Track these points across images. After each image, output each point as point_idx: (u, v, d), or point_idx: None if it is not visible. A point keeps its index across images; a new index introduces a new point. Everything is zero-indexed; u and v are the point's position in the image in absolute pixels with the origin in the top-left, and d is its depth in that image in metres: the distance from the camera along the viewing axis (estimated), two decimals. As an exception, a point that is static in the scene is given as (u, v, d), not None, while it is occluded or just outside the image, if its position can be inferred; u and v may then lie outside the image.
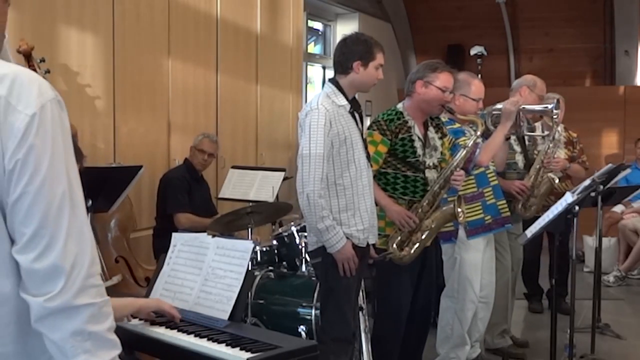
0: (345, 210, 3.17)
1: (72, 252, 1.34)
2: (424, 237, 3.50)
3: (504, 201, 4.12)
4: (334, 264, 3.14)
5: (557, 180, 4.64)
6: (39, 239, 1.32)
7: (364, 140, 3.29)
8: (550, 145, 4.60)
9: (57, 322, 1.33)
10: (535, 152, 4.65)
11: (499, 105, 4.14)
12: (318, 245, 3.19)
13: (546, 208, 4.06)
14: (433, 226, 3.51)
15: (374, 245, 3.36)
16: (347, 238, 3.14)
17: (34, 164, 1.31)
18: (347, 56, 3.20)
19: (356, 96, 3.32)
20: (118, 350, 1.41)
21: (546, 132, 4.77)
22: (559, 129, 5.29)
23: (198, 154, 4.79)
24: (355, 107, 3.24)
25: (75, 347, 1.33)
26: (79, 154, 2.11)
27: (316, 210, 3.06)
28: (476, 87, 4.03)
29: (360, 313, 3.48)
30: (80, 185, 1.40)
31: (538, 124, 4.89)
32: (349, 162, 3.16)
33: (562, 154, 5.31)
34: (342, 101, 3.19)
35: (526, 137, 4.59)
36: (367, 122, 4.00)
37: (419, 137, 3.51)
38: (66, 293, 1.32)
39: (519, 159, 4.49)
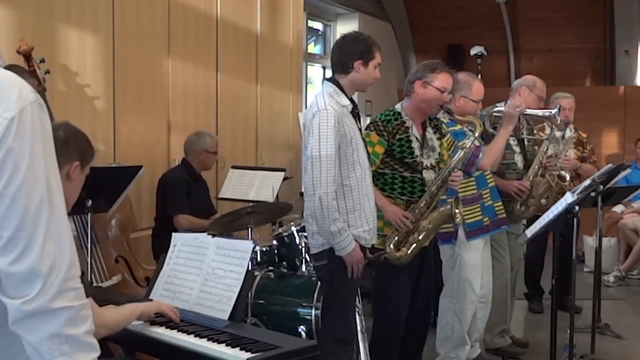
0: (353, 211, 3.15)
1: (50, 255, 1.33)
2: (421, 237, 3.50)
3: (500, 203, 4.13)
4: (341, 266, 3.13)
5: (568, 178, 4.62)
6: (16, 242, 1.31)
7: (364, 140, 3.29)
8: (549, 145, 4.60)
9: (34, 325, 1.33)
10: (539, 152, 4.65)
11: (498, 107, 4.14)
12: (324, 247, 3.16)
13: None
14: (430, 227, 3.51)
15: (372, 245, 3.36)
16: (355, 240, 3.13)
17: (11, 167, 1.30)
18: (348, 55, 3.19)
19: (354, 96, 3.32)
20: (96, 353, 1.40)
21: (557, 133, 4.77)
22: (570, 128, 5.33)
23: (211, 156, 4.78)
24: (353, 107, 3.24)
25: (52, 349, 1.33)
26: (90, 152, 2.11)
27: (329, 213, 3.02)
28: (477, 88, 4.03)
29: (357, 313, 3.47)
30: (61, 189, 1.39)
31: (546, 124, 4.90)
32: (354, 162, 3.14)
33: (572, 154, 5.33)
34: (345, 101, 3.19)
35: (526, 138, 4.59)
36: (367, 122, 3.99)
37: (416, 138, 3.51)
38: (43, 296, 1.32)
39: (518, 160, 4.48)
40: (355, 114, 3.25)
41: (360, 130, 3.25)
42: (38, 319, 1.32)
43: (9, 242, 1.31)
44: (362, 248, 3.19)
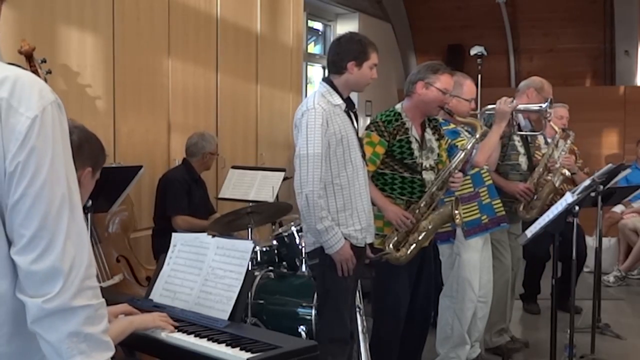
0: (343, 210, 3.16)
1: (70, 254, 1.34)
2: (420, 237, 3.50)
3: (499, 200, 4.12)
4: (332, 265, 3.14)
5: (568, 173, 4.62)
6: (38, 241, 1.33)
7: (360, 140, 3.29)
8: (554, 148, 4.61)
9: (54, 323, 1.34)
10: (544, 155, 4.64)
11: (491, 106, 4.15)
12: (316, 246, 3.18)
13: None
14: (430, 227, 3.51)
15: (371, 245, 3.36)
16: (345, 238, 3.13)
17: (35, 167, 1.32)
18: (342, 56, 3.19)
19: (351, 96, 3.32)
20: (112, 352, 1.42)
21: (555, 133, 4.78)
22: (569, 133, 5.32)
23: (214, 157, 4.89)
24: (349, 107, 3.24)
25: (71, 348, 1.34)
26: (103, 158, 2.08)
27: (315, 211, 3.05)
28: (468, 87, 4.03)
29: (358, 313, 3.48)
30: (78, 188, 1.41)
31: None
32: (345, 161, 3.15)
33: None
34: (338, 100, 3.19)
35: (528, 138, 4.58)
36: (367, 122, 3.99)
37: (416, 139, 3.52)
38: (64, 294, 1.33)
39: (522, 161, 4.47)
40: (353, 113, 3.26)
41: (356, 130, 3.25)
42: (58, 317, 1.33)
43: (31, 240, 1.33)
44: (356, 247, 3.19)
